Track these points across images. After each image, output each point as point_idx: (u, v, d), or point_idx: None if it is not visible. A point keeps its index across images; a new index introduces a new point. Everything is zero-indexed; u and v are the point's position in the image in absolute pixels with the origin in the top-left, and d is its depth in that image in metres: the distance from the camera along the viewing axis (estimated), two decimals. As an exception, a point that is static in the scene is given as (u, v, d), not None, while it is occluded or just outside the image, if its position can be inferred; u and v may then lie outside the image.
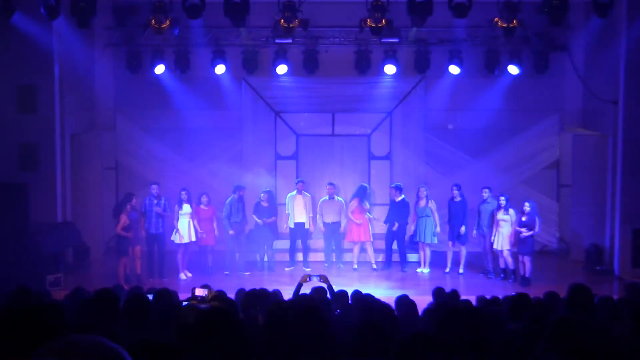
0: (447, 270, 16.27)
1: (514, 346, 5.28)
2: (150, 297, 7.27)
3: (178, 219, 15.54)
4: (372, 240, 16.73)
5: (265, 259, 16.42)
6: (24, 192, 14.06)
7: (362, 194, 16.71)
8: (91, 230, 17.22)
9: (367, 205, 16.68)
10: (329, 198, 16.79)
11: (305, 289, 9.04)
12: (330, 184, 16.89)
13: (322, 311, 5.30)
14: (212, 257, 16.12)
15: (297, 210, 16.68)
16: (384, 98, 18.37)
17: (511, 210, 15.17)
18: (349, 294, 9.30)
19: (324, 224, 16.73)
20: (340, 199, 16.91)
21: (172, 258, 15.71)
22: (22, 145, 15.80)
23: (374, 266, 16.73)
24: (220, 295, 8.16)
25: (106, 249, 17.66)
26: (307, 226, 16.71)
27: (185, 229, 15.60)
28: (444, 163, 18.61)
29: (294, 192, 16.78)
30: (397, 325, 6.45)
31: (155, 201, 15.43)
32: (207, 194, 16.03)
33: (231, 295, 8.87)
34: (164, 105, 18.16)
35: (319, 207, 16.81)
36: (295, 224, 16.68)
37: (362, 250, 16.90)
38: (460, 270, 16.12)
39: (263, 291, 8.53)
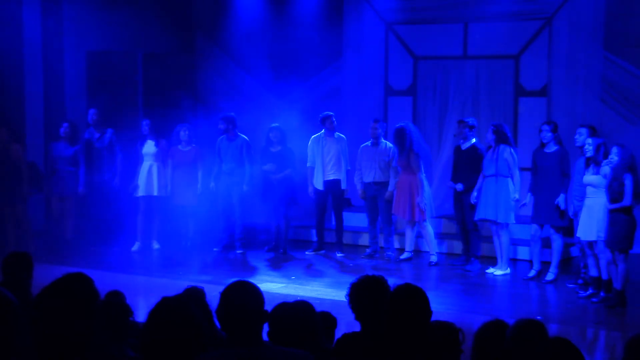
0: None
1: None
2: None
3: (142, 162, 10.92)
4: (427, 219, 10.17)
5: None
6: None
7: (401, 136, 10.14)
8: None
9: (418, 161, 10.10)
10: (371, 143, 10.59)
11: None
12: (376, 120, 10.60)
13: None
14: (194, 224, 11.19)
15: (327, 161, 10.77)
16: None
17: None
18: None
19: (362, 184, 10.61)
20: (389, 144, 10.53)
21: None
22: None
23: (432, 257, 10.21)
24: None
25: None
26: (344, 186, 10.73)
27: (143, 177, 10.89)
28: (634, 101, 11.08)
29: (321, 133, 10.87)
30: None
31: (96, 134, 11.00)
32: (188, 126, 11.04)
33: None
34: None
35: (358, 157, 10.69)
36: (325, 182, 10.75)
37: (419, 232, 10.44)
38: None
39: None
